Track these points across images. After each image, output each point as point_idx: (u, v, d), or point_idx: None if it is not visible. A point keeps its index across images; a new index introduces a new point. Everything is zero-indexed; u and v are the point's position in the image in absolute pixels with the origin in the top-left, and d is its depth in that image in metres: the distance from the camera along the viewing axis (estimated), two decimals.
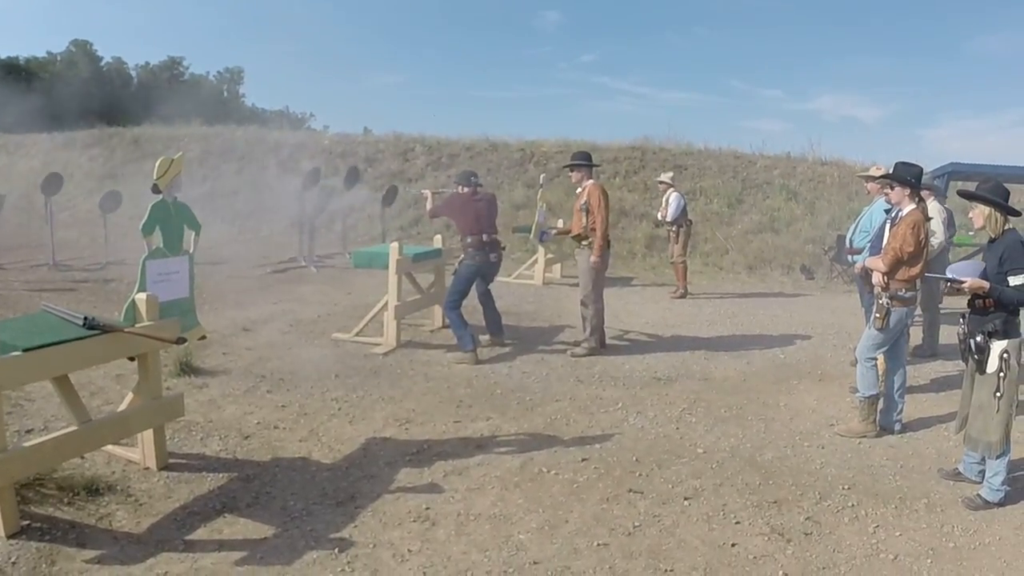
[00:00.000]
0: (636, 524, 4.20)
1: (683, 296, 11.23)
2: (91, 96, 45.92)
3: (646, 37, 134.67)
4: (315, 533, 4.11)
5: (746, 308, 10.63)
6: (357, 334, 8.24)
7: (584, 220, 7.82)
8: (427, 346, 8.13)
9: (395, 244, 8.12)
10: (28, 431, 5.23)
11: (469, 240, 7.74)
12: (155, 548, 3.88)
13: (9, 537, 3.87)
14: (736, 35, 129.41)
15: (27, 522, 4.04)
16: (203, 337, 6.74)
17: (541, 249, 12.17)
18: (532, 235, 11.81)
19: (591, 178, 8.06)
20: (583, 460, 5.10)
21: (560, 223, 13.41)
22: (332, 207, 15.62)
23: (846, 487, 4.83)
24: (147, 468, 4.80)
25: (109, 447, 4.90)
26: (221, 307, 9.35)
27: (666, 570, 3.76)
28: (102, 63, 58.10)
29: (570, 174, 8.29)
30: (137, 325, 4.61)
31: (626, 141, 18.99)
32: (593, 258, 7.76)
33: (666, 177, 11.88)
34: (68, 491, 4.40)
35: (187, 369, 6.73)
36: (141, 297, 4.77)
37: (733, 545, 4.02)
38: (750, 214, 16.05)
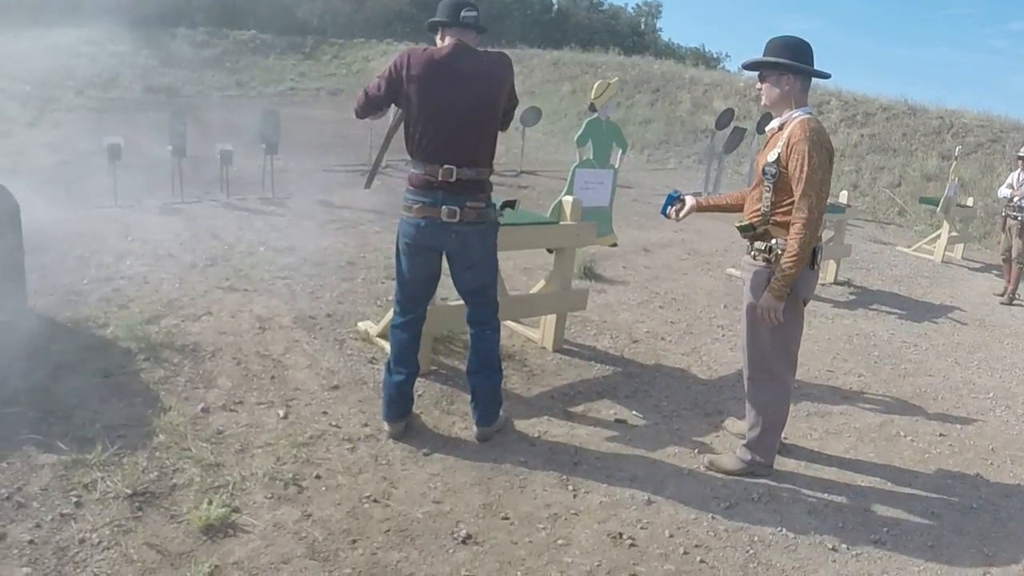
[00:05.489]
0: (973, 506, 4.29)
1: (1011, 302, 9.47)
2: (512, 18, 50.22)
3: None
4: (680, 432, 4.68)
5: None
6: None
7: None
8: (813, 297, 8.28)
9: None
10: (443, 299, 6.38)
11: (412, 171, 4.01)
12: (539, 411, 4.71)
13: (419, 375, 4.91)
14: None
15: (435, 368, 5.13)
16: (614, 244, 7.68)
17: (946, 225, 11.58)
18: (939, 208, 11.55)
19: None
20: (940, 435, 5.18)
21: (970, 201, 12.87)
22: (742, 149, 16.04)
23: None
24: (543, 348, 5.74)
25: (514, 324, 5.94)
26: (625, 226, 10.15)
27: (988, 554, 3.86)
28: None
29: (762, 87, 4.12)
30: (560, 223, 5.49)
31: None
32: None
33: None
34: None
35: (590, 274, 7.67)
36: (568, 199, 5.69)
37: None
38: None
